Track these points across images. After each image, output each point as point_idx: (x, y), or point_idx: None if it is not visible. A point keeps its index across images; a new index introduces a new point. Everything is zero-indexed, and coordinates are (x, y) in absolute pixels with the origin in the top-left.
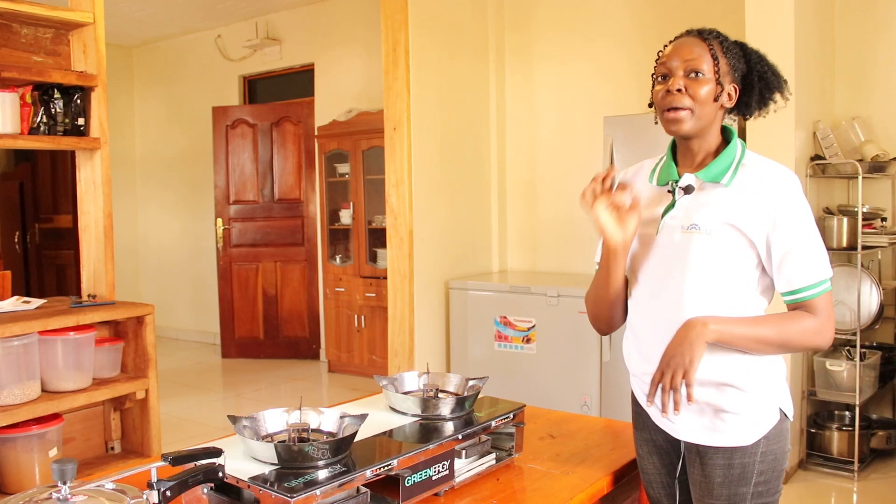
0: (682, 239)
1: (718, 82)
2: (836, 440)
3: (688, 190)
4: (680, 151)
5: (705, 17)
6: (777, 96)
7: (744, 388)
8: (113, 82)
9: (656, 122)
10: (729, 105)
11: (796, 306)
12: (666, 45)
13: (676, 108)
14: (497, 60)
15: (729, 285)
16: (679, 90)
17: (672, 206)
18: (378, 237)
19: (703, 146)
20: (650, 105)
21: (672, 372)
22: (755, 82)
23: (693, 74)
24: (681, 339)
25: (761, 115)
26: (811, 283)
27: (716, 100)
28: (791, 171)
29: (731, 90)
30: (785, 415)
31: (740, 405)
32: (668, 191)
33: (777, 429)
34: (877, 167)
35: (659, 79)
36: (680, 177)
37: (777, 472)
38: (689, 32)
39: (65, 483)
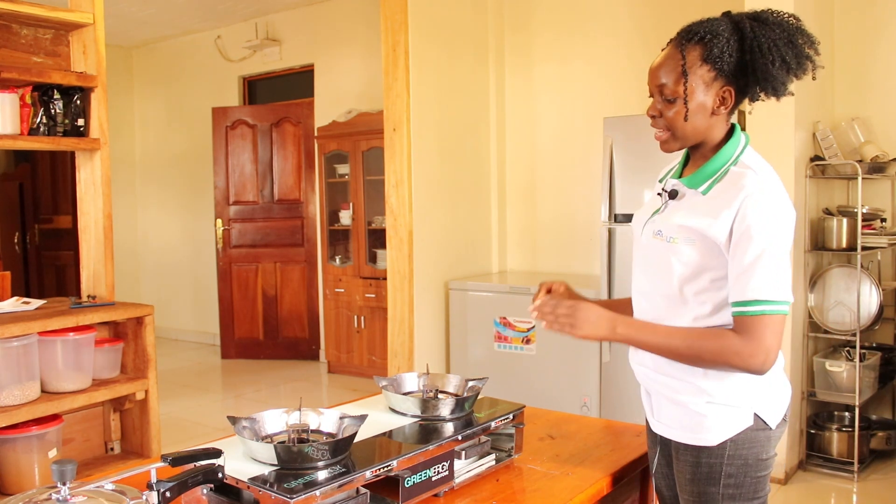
0: (653, 244)
1: (685, 103)
2: (835, 441)
3: (672, 195)
4: (690, 152)
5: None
6: (780, 84)
7: (708, 391)
8: (113, 83)
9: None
10: (724, 110)
11: (737, 320)
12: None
13: (657, 129)
14: (497, 61)
15: (697, 293)
16: (654, 116)
17: (658, 210)
18: (378, 238)
19: (705, 148)
20: None
21: (557, 319)
22: (749, 75)
23: (666, 97)
24: (594, 320)
25: (782, 96)
26: (752, 298)
27: (709, 114)
28: (776, 182)
29: (724, 94)
30: (763, 422)
31: (704, 407)
32: (658, 193)
33: (748, 435)
34: (876, 168)
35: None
36: (684, 177)
37: (751, 478)
38: (674, 38)
39: (64, 484)
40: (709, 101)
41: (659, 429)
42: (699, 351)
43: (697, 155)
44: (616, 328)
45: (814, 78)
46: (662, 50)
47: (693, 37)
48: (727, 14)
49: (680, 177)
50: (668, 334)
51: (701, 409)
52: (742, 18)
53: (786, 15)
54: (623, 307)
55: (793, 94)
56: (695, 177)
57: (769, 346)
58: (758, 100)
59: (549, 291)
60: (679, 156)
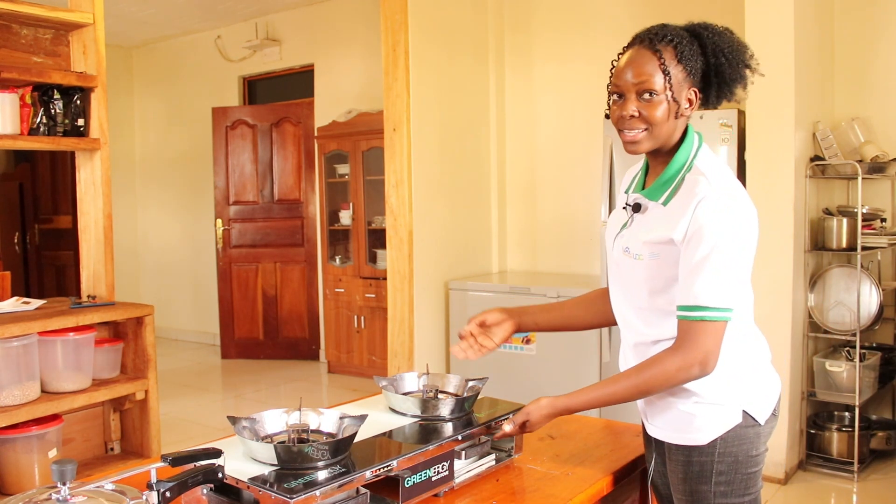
0: (623, 261)
1: (674, 99)
2: (835, 441)
3: (636, 208)
4: (650, 160)
5: (704, 18)
6: (738, 87)
7: (695, 391)
8: (113, 83)
9: None
10: (690, 112)
11: (679, 324)
12: (619, 55)
13: (633, 130)
14: (497, 61)
15: (669, 300)
16: (633, 116)
17: (625, 224)
18: (378, 238)
19: (663, 154)
20: (606, 117)
21: (521, 431)
22: (711, 78)
23: (646, 95)
24: (542, 419)
25: (732, 103)
26: (694, 304)
27: (675, 115)
28: (732, 188)
29: (690, 95)
30: (752, 418)
31: (692, 407)
32: (623, 207)
33: (737, 432)
34: (876, 168)
35: (614, 97)
36: (645, 189)
37: (742, 475)
38: (640, 40)
39: (64, 484)
40: (681, 101)
41: (653, 431)
42: (645, 385)
43: (656, 161)
44: (559, 407)
45: (751, 82)
46: (621, 53)
47: (663, 38)
48: (667, 25)
49: (643, 188)
50: (610, 386)
51: (690, 409)
52: (693, 27)
53: (722, 27)
54: (557, 309)
55: (733, 98)
56: (654, 188)
57: (707, 350)
58: (710, 105)
59: (481, 325)
60: (639, 166)
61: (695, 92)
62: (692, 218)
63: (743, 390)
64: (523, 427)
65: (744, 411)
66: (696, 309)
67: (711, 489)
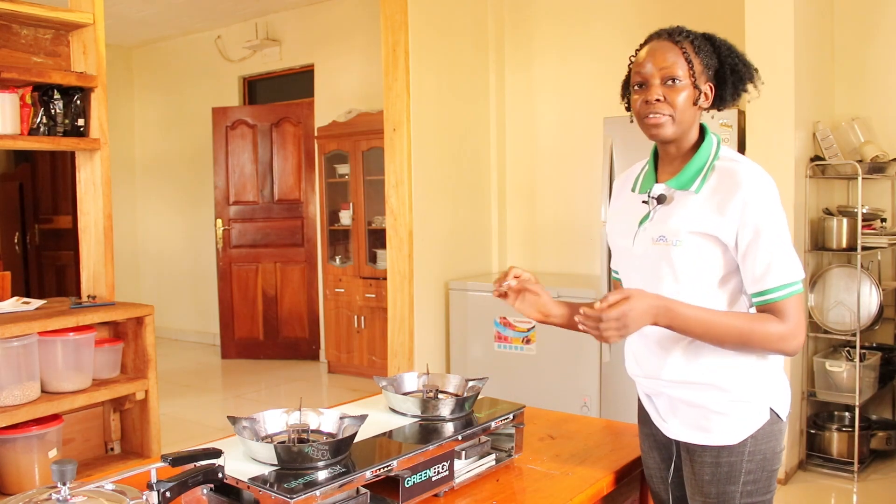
0: (653, 251)
1: (695, 86)
2: (835, 441)
3: (660, 200)
4: (661, 156)
5: (706, 18)
6: (750, 86)
7: (728, 389)
8: (113, 83)
9: (632, 121)
10: (706, 105)
11: (764, 308)
12: (638, 50)
13: (657, 114)
14: (497, 61)
15: (706, 293)
16: (658, 100)
17: (647, 217)
18: (378, 238)
19: (682, 148)
20: (627, 109)
21: (606, 330)
22: (727, 76)
23: (670, 81)
24: (640, 318)
25: (734, 105)
26: (777, 284)
27: (695, 104)
28: (762, 170)
29: (706, 90)
30: (777, 415)
31: (725, 406)
32: (643, 201)
33: (766, 429)
34: (876, 168)
35: (636, 87)
36: (661, 182)
37: (768, 472)
38: (658, 35)
39: (64, 484)
40: (702, 90)
41: (673, 432)
42: (748, 337)
43: (672, 156)
44: (659, 321)
45: (750, 99)
46: (639, 49)
47: (680, 34)
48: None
49: (655, 181)
50: (716, 317)
51: (723, 409)
52: (704, 33)
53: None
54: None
55: (738, 103)
56: (681, 178)
57: (802, 325)
58: (718, 107)
59: (517, 277)
60: (639, 167)
61: (710, 86)
62: (742, 212)
63: (768, 387)
64: (605, 331)
65: (770, 408)
66: (778, 289)
67: (739, 489)
